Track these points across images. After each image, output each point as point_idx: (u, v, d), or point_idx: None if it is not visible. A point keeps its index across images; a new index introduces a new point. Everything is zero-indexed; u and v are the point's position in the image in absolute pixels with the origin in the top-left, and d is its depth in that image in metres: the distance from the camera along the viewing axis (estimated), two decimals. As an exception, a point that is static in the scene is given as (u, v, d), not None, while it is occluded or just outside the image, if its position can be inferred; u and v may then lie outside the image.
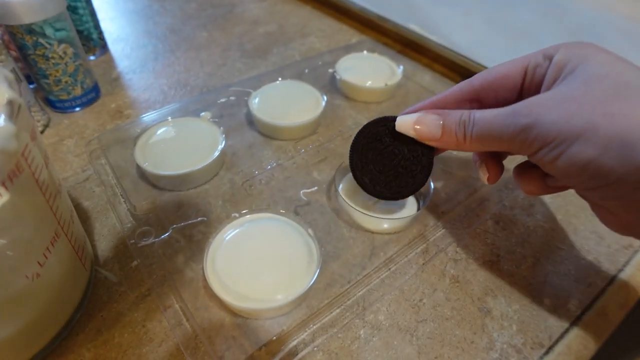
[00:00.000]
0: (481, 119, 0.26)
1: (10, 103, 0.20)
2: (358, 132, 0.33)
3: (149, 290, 0.31)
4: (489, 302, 0.32)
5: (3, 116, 0.19)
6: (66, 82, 0.44)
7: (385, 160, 0.32)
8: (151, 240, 0.33)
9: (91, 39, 0.54)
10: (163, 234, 0.33)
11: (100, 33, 0.55)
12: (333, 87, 0.51)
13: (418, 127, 0.29)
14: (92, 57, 0.55)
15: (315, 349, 0.28)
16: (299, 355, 0.28)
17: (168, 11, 0.67)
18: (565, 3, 0.62)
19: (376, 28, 0.61)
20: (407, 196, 0.33)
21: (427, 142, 0.30)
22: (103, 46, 0.56)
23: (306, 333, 0.29)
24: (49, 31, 0.41)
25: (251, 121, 0.45)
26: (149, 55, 0.56)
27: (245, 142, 0.43)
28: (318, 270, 0.29)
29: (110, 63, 0.54)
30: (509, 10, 0.62)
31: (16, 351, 0.25)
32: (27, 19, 0.39)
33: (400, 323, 0.30)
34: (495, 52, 0.55)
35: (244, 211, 0.34)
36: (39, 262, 0.23)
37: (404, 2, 0.65)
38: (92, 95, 0.47)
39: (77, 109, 0.46)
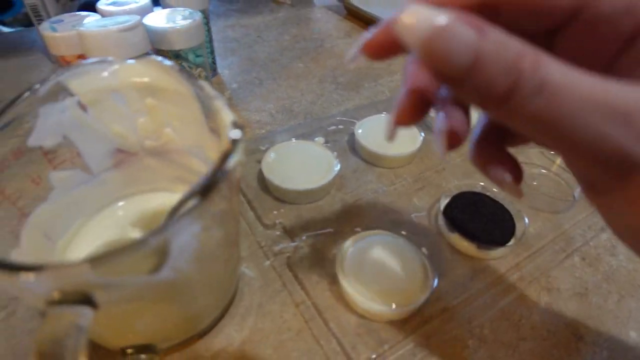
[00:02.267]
0: (564, 86, 0.13)
1: (234, 123, 0.26)
2: (453, 198, 0.42)
3: (283, 286, 0.36)
4: (580, 329, 0.35)
5: (240, 132, 0.24)
6: (195, 100, 0.50)
7: (476, 219, 0.40)
8: (282, 245, 0.38)
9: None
10: (293, 241, 0.38)
11: (214, 57, 0.62)
12: (423, 123, 0.56)
13: (433, 41, 0.13)
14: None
15: (430, 353, 0.32)
16: (417, 357, 0.32)
17: (265, 41, 0.74)
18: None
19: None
20: (500, 245, 0.39)
21: (439, 72, 0.14)
22: (214, 69, 0.63)
23: (421, 338, 0.33)
24: (191, 57, 0.47)
25: (353, 148, 0.50)
26: (253, 81, 0.62)
27: (350, 167, 0.48)
28: (435, 285, 0.34)
29: (222, 85, 0.61)
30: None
31: (193, 325, 0.30)
32: (177, 46, 0.46)
33: (503, 338, 0.34)
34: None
35: (372, 225, 0.39)
36: (231, 253, 0.28)
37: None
38: (211, 113, 0.53)
39: (197, 124, 0.53)
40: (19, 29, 0.88)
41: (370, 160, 0.48)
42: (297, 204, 0.43)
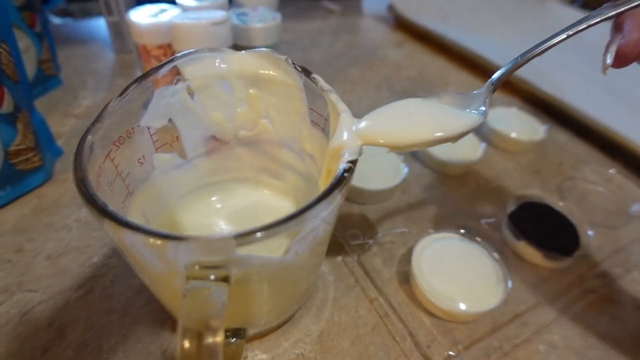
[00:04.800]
0: None
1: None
2: (518, 207, 0.43)
3: (356, 282, 0.37)
4: (646, 342, 0.36)
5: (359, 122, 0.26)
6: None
7: (542, 228, 0.41)
8: (354, 242, 0.39)
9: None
10: (365, 239, 0.39)
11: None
12: (477, 134, 0.57)
13: None
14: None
15: (504, 354, 0.33)
16: (492, 357, 0.33)
17: (319, 45, 0.75)
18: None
19: (510, 87, 0.67)
20: (567, 255, 0.39)
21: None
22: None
23: (495, 340, 0.34)
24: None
25: (414, 153, 0.51)
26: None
27: (413, 172, 0.49)
28: (509, 290, 0.35)
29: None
30: (629, 82, 0.67)
31: (284, 311, 0.31)
32: (256, 43, 0.47)
33: (573, 345, 0.35)
34: (618, 121, 0.59)
35: (442, 228, 0.39)
36: (328, 243, 0.29)
37: (534, 65, 0.70)
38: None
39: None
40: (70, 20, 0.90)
41: (432, 166, 0.49)
42: (362, 204, 0.44)
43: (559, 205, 0.45)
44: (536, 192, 0.48)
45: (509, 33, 0.79)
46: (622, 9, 0.25)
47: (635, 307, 0.38)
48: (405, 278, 0.37)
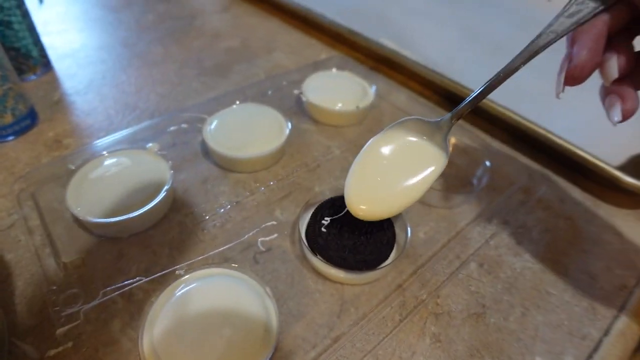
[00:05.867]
0: None
1: None
2: (318, 206, 0.33)
3: (75, 371, 0.26)
4: (475, 365, 0.28)
5: None
6: (-7, 109, 0.39)
7: (346, 234, 0.31)
8: (78, 307, 0.28)
9: (30, 56, 0.48)
10: (93, 299, 0.28)
11: (42, 49, 0.49)
12: (299, 109, 0.46)
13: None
14: (32, 77, 0.49)
15: None
16: None
17: (123, 23, 0.61)
18: (540, 16, 0.59)
19: (347, 43, 0.57)
20: (374, 268, 0.30)
21: None
22: (45, 64, 0.50)
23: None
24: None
25: (206, 151, 0.40)
26: (96, 74, 0.51)
27: (199, 176, 0.38)
28: (272, 351, 0.25)
29: (53, 83, 0.49)
30: (483, 23, 0.59)
31: None
32: None
33: (375, 400, 0.26)
34: (470, 66, 0.52)
35: (190, 270, 0.29)
36: None
37: (375, 15, 0.61)
38: (26, 122, 0.42)
39: (10, 137, 0.41)
40: None
41: (225, 165, 0.39)
42: (118, 237, 0.32)
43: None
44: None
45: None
46: (573, 28, 0.24)
47: (467, 317, 0.30)
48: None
